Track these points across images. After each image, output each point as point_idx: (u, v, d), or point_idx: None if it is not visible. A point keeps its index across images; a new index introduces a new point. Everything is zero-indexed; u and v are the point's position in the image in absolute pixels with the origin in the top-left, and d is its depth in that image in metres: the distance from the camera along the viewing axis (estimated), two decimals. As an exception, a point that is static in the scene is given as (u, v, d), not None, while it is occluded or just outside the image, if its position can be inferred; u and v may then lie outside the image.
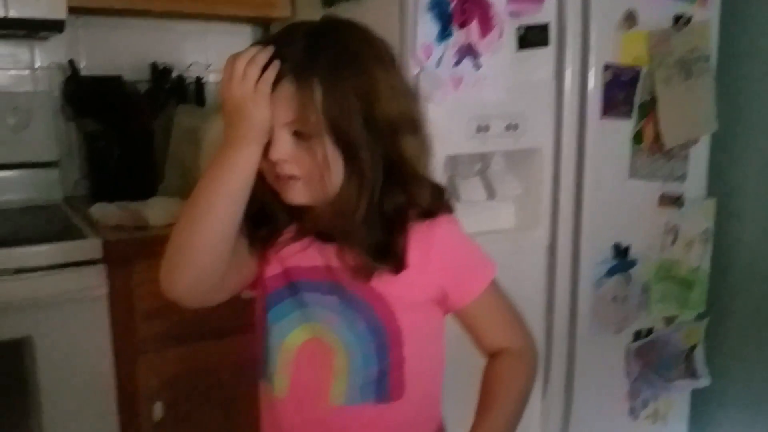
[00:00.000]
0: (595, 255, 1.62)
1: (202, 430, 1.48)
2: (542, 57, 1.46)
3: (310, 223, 0.87)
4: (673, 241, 1.79)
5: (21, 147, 1.71)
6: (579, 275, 1.59)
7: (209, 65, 1.90)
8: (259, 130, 0.78)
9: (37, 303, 1.27)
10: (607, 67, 1.54)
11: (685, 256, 1.81)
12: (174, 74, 1.86)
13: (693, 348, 1.88)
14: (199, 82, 1.90)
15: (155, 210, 1.44)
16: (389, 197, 0.82)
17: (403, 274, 0.83)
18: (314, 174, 0.81)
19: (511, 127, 1.42)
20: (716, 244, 1.85)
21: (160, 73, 1.85)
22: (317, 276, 0.86)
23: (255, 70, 0.76)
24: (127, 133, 1.71)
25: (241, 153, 0.78)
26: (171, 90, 1.84)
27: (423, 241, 0.84)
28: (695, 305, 1.85)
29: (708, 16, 1.68)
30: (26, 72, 1.76)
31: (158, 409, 1.40)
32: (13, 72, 1.74)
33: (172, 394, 1.43)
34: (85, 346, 1.33)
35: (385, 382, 0.87)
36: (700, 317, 1.87)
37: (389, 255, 0.82)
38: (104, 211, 1.42)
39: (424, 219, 0.84)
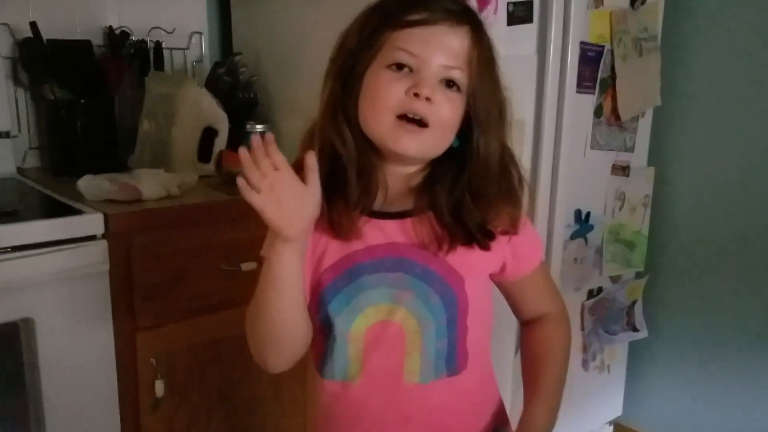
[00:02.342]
0: (563, 221, 1.74)
1: (203, 406, 1.46)
2: (526, 33, 1.53)
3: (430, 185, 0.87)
4: (621, 207, 1.95)
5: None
6: (552, 240, 1.70)
7: (173, 30, 1.82)
8: (289, 237, 0.76)
9: (36, 282, 1.20)
10: (579, 45, 1.64)
11: (630, 219, 1.98)
12: (132, 39, 1.77)
13: (633, 304, 2.07)
14: (158, 48, 1.82)
15: (147, 183, 1.38)
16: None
17: (477, 248, 0.86)
18: (445, 127, 0.82)
19: (501, 100, 1.49)
20: (655, 209, 2.04)
21: (117, 38, 1.75)
22: (377, 254, 0.85)
23: (259, 173, 0.74)
24: (92, 102, 1.62)
25: (281, 258, 0.78)
26: (131, 56, 1.75)
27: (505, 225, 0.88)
28: (636, 264, 2.04)
29: (657, -2, 1.83)
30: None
31: (159, 387, 1.37)
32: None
33: (171, 370, 1.40)
34: (86, 325, 1.27)
35: (453, 353, 0.89)
36: (640, 275, 2.06)
37: (484, 231, 0.86)
38: (93, 185, 1.35)
39: (509, 200, 0.88)
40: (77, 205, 1.31)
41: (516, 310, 1.01)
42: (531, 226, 0.96)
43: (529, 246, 0.95)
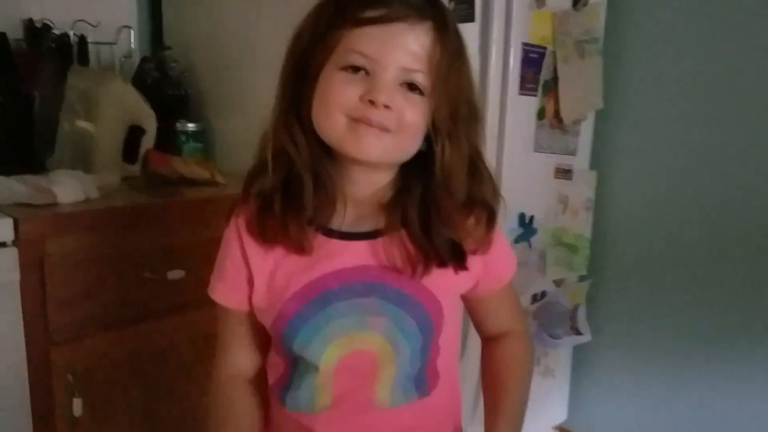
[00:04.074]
0: (507, 224, 1.71)
1: (126, 425, 1.37)
2: (467, 33, 1.48)
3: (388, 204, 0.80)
4: (564, 210, 1.93)
5: None
6: (495, 244, 1.66)
7: (98, 23, 1.72)
8: None
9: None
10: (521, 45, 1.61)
11: (572, 223, 1.97)
12: (54, 32, 1.66)
13: (576, 307, 2.05)
14: (83, 42, 1.71)
15: (63, 186, 1.28)
16: (465, 188, 0.79)
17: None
18: (409, 131, 0.75)
19: (442, 101, 1.44)
20: (597, 213, 2.03)
21: (38, 31, 1.64)
22: (347, 279, 0.78)
23: None
24: (8, 99, 1.51)
25: None
26: (53, 51, 1.64)
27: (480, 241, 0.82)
28: (579, 267, 2.02)
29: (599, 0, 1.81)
30: None
31: (77, 405, 1.27)
32: None
33: (91, 388, 1.30)
34: (-6, 339, 1.17)
35: (424, 375, 0.84)
36: (582, 279, 2.04)
37: (458, 250, 0.79)
38: (4, 187, 1.25)
39: (482, 214, 0.81)
40: (-15, 209, 1.21)
41: (479, 324, 0.95)
42: (504, 240, 0.90)
43: (502, 261, 0.90)
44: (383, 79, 0.73)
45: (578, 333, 2.06)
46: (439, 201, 0.78)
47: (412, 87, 0.75)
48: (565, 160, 1.88)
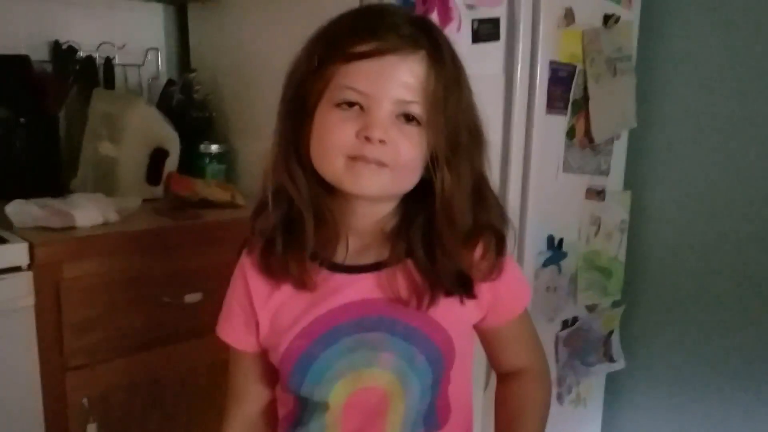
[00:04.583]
0: (534, 247, 1.66)
1: (142, 450, 1.35)
2: (492, 51, 1.46)
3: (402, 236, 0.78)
4: (596, 233, 1.87)
5: None
6: (523, 267, 1.61)
7: (123, 45, 1.73)
8: None
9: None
10: (549, 64, 1.56)
11: (605, 246, 1.90)
12: (80, 54, 1.67)
13: (610, 334, 1.98)
14: (108, 64, 1.72)
15: (82, 209, 1.28)
16: (469, 215, 0.76)
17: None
18: (406, 166, 0.73)
19: (466, 122, 1.40)
20: (631, 235, 1.96)
21: (63, 53, 1.65)
22: (353, 314, 0.77)
23: None
24: (33, 121, 1.52)
25: None
26: (78, 72, 1.66)
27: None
28: (612, 293, 1.95)
29: (631, 17, 1.76)
30: None
31: (92, 431, 1.26)
32: None
33: (107, 413, 1.29)
34: (9, 363, 1.16)
35: (433, 409, 0.81)
36: (616, 304, 1.97)
37: (465, 280, 0.76)
38: (22, 211, 1.25)
39: (490, 241, 0.79)
40: (3, 233, 1.21)
41: (493, 359, 0.91)
42: (516, 268, 0.87)
43: (513, 290, 0.86)
44: (378, 115, 0.71)
45: (612, 360, 1.99)
46: (440, 230, 0.75)
47: (409, 118, 0.73)
48: (597, 181, 1.82)
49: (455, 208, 0.75)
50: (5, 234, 1.21)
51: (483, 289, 0.80)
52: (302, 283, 0.77)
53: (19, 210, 1.25)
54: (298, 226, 0.77)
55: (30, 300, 1.17)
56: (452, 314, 0.78)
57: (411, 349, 0.76)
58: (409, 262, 0.77)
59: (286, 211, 0.77)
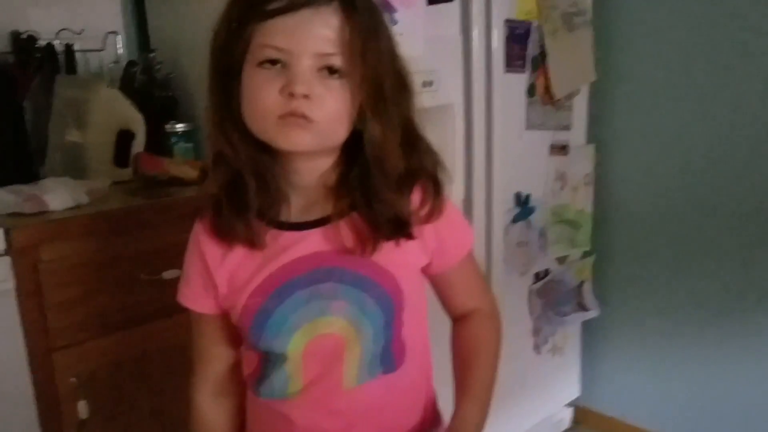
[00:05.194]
0: (502, 204, 1.70)
1: (133, 426, 1.38)
2: (449, 13, 1.48)
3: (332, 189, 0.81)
4: (562, 187, 1.92)
5: None
6: (492, 225, 1.65)
7: (82, 30, 1.73)
8: None
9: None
10: (505, 23, 1.59)
11: (572, 199, 1.95)
12: (40, 43, 1.67)
13: (582, 284, 2.04)
14: (69, 51, 1.72)
15: (53, 193, 1.29)
16: (402, 160, 0.79)
17: (403, 242, 0.81)
18: (333, 119, 0.75)
19: (427, 84, 1.43)
20: (599, 187, 2.01)
21: (23, 43, 1.65)
22: (304, 268, 0.80)
23: None
24: (-3, 111, 1.52)
25: None
26: (39, 61, 1.65)
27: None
28: (582, 244, 2.01)
29: (584, -29, 1.79)
30: None
31: (82, 408, 1.29)
32: None
33: (95, 390, 1.31)
34: (-6, 348, 1.18)
35: (389, 351, 0.85)
36: (586, 255, 2.03)
37: (402, 223, 0.80)
38: (-5, 198, 1.26)
39: (427, 184, 0.82)
40: (-23, 220, 1.22)
41: (446, 305, 0.96)
42: (457, 212, 0.91)
43: (456, 233, 0.90)
44: (298, 70, 0.73)
45: (585, 309, 2.05)
46: (374, 179, 0.78)
47: (332, 71, 0.74)
48: (560, 137, 1.86)
49: (386, 156, 0.78)
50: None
51: (426, 233, 0.83)
52: (251, 243, 0.79)
53: (-8, 197, 1.27)
54: (242, 188, 0.79)
55: (9, 284, 1.18)
56: (398, 259, 0.81)
57: (361, 296, 0.80)
58: (355, 215, 0.80)
59: (229, 174, 0.79)
